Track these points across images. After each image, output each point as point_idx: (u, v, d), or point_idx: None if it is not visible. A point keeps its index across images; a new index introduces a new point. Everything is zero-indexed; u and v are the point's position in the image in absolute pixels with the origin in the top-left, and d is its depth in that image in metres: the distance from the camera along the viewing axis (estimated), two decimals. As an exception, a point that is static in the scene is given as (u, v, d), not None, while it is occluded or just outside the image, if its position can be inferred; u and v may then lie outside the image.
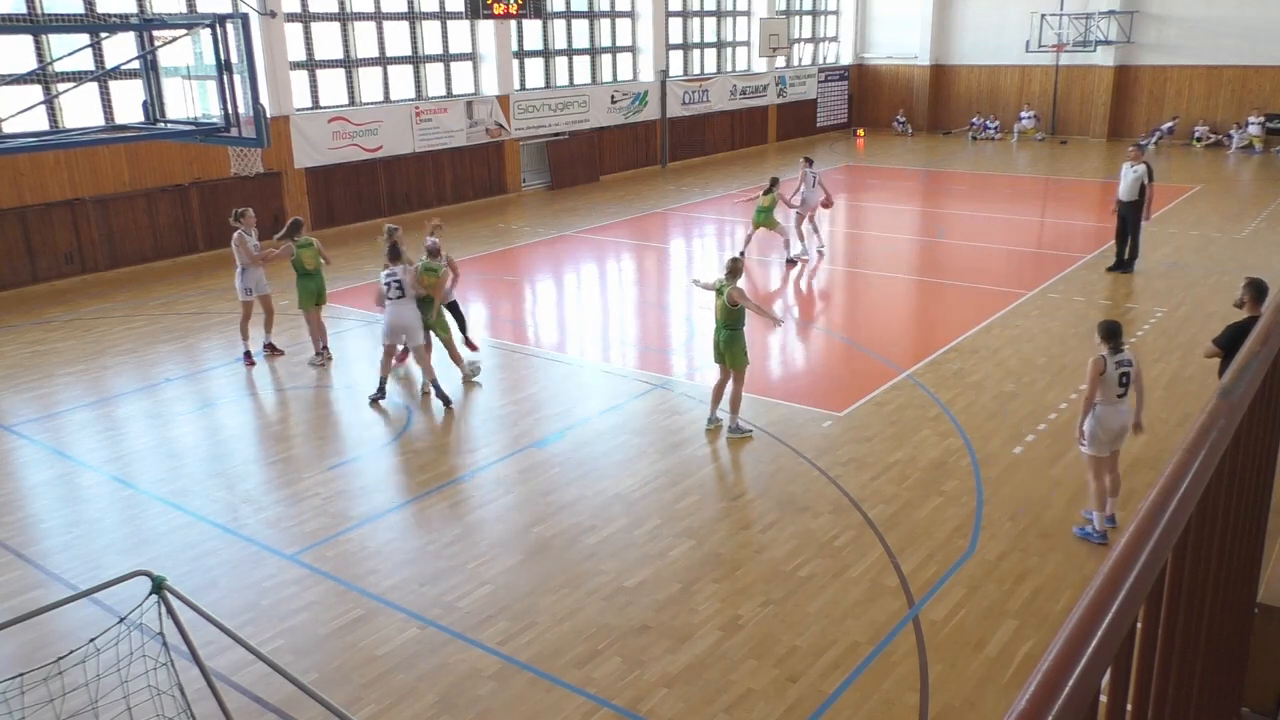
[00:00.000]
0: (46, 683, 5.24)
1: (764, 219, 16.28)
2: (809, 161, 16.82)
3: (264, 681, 5.92)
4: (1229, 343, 7.29)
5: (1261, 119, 27.64)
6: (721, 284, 9.38)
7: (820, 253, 17.03)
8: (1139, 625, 1.47)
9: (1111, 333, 7.26)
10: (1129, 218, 14.85)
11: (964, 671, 6.01)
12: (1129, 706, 1.57)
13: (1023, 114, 31.45)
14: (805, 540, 7.56)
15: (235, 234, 11.59)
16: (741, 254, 16.67)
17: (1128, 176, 14.74)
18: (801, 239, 16.90)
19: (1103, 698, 1.27)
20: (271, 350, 12.15)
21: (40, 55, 15.18)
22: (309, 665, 6.17)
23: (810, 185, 16.63)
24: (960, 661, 6.10)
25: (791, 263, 16.42)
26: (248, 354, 11.86)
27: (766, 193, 16.21)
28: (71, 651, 4.83)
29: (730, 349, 9.38)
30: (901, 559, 7.28)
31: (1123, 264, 15.14)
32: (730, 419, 9.52)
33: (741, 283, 9.67)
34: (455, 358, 11.03)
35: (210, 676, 5.04)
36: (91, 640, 4.85)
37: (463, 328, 11.70)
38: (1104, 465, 7.45)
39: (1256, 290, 7.41)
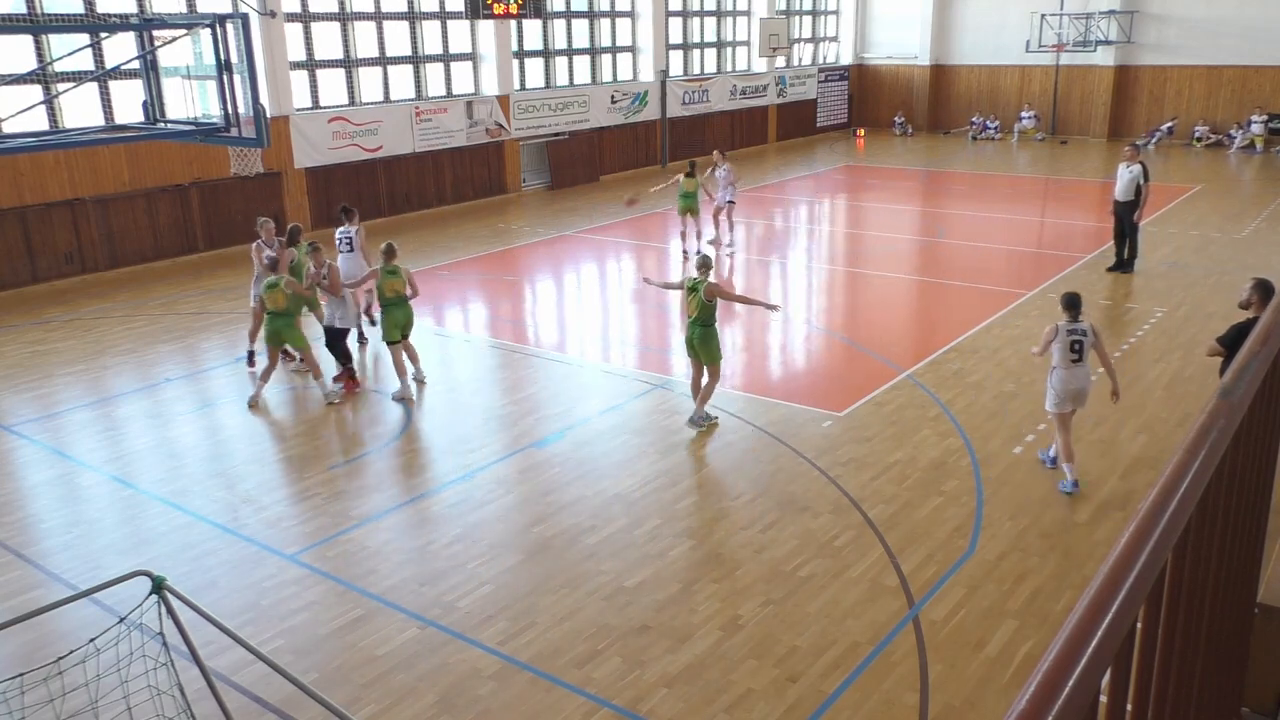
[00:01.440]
0: (46, 683, 5.24)
1: (688, 204, 16.35)
2: (722, 154, 17.28)
3: (264, 681, 5.92)
4: (1233, 343, 7.26)
5: (1264, 117, 27.60)
6: (695, 281, 9.39)
7: (729, 254, 17.08)
8: (1139, 625, 1.47)
9: (1070, 303, 8.02)
10: (1126, 218, 14.87)
11: (964, 671, 6.01)
12: (1129, 706, 1.57)
13: (1023, 114, 31.44)
14: (805, 540, 7.56)
15: (254, 242, 11.78)
16: (714, 242, 16.87)
17: (1124, 177, 14.75)
18: (718, 229, 17.28)
19: (1103, 698, 1.27)
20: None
21: (40, 55, 15.18)
22: (309, 665, 6.17)
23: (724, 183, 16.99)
24: (960, 661, 6.10)
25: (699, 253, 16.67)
26: (250, 354, 11.87)
27: (688, 176, 16.30)
28: (71, 651, 4.83)
29: (705, 345, 9.41)
30: (901, 559, 7.28)
31: (1122, 264, 15.15)
32: (696, 410, 9.57)
33: (712, 276, 9.66)
34: (315, 370, 10.65)
35: (210, 676, 5.05)
36: (91, 640, 4.85)
37: (346, 360, 10.99)
38: (1065, 420, 8.26)
39: (1264, 291, 7.31)
